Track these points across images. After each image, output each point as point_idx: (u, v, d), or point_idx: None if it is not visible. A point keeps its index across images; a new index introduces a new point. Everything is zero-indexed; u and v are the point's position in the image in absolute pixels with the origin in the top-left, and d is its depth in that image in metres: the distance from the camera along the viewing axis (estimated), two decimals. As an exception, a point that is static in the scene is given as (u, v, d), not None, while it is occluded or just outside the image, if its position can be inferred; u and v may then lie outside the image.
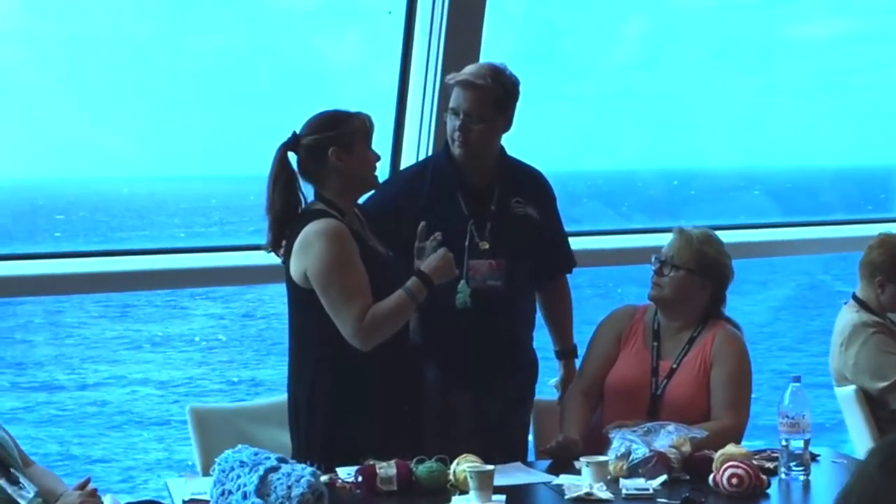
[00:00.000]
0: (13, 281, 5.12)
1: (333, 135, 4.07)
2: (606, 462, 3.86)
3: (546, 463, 4.18)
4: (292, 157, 4.12)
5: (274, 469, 3.53)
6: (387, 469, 3.75)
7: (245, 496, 3.53)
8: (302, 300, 4.07)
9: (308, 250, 4.00)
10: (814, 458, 4.06)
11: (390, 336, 4.02)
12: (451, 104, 4.41)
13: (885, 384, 4.94)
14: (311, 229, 4.01)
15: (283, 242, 4.09)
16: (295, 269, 4.04)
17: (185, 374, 18.01)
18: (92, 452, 14.80)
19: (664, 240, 4.49)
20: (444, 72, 5.06)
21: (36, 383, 17.52)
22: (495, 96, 4.37)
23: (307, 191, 4.14)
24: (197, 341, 19.65)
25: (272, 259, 4.19)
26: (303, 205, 4.11)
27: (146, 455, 14.66)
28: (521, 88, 4.45)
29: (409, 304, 4.02)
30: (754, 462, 3.87)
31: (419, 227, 4.20)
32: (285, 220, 4.07)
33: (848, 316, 5.09)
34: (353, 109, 4.14)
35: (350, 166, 4.08)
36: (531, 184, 4.56)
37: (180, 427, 13.74)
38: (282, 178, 4.07)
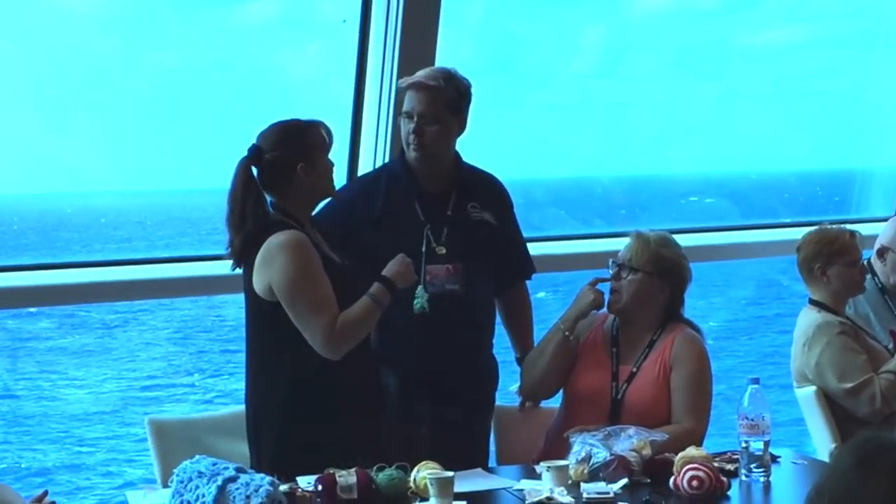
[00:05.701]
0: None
1: (299, 150, 4.04)
2: (567, 466, 3.85)
3: (507, 469, 4.18)
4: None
5: (232, 479, 3.52)
6: (347, 477, 3.73)
7: (204, 506, 3.51)
8: (263, 312, 4.04)
9: (272, 263, 3.97)
10: (774, 459, 4.06)
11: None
12: (405, 108, 4.41)
13: (848, 385, 4.89)
14: (273, 242, 3.97)
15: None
16: (258, 283, 4.01)
17: (145, 383, 17.89)
18: (47, 463, 14.69)
19: (623, 244, 4.49)
20: (400, 78, 5.05)
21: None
22: (448, 97, 4.38)
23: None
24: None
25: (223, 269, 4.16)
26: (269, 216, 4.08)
27: (106, 466, 14.55)
28: (481, 97, 4.47)
29: (375, 309, 4.02)
30: (714, 464, 3.87)
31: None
32: (256, 235, 4.02)
33: (811, 316, 5.04)
34: (305, 118, 4.11)
35: (316, 180, 4.07)
36: (487, 189, 4.56)
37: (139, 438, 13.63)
38: (252, 196, 4.03)
